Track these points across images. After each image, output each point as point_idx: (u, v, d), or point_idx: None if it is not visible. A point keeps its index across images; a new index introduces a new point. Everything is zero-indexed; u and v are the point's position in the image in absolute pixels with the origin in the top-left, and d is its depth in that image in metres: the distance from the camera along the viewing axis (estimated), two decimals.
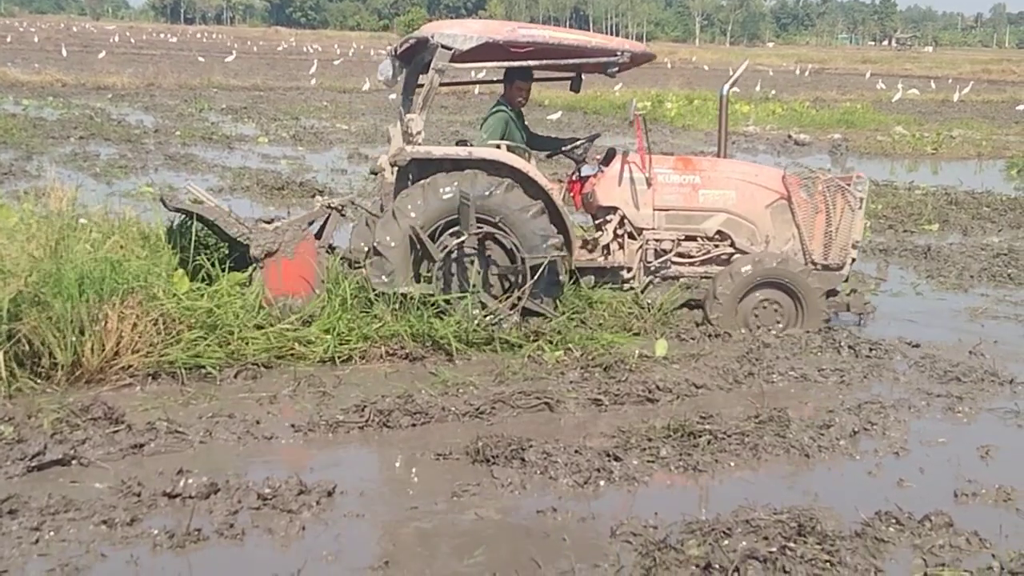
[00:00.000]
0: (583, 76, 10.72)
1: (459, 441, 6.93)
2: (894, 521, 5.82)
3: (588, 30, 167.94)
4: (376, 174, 10.23)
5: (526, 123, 10.65)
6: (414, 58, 10.26)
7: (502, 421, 7.43)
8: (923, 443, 7.30)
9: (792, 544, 5.45)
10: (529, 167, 9.53)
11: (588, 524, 5.85)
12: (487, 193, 9.10)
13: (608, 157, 10.38)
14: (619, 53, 9.57)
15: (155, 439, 6.79)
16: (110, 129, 25.56)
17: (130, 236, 9.43)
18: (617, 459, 6.63)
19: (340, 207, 9.72)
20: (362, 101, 38.51)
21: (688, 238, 10.11)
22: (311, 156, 22.79)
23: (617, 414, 7.65)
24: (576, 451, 6.69)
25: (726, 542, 5.48)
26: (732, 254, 10.08)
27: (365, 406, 7.40)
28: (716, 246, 10.13)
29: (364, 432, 7.19)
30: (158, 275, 8.57)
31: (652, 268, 10.08)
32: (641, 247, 10.04)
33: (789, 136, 28.44)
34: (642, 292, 10.02)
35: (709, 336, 9.49)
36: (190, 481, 5.95)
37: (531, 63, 9.87)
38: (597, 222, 10.17)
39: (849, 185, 10.11)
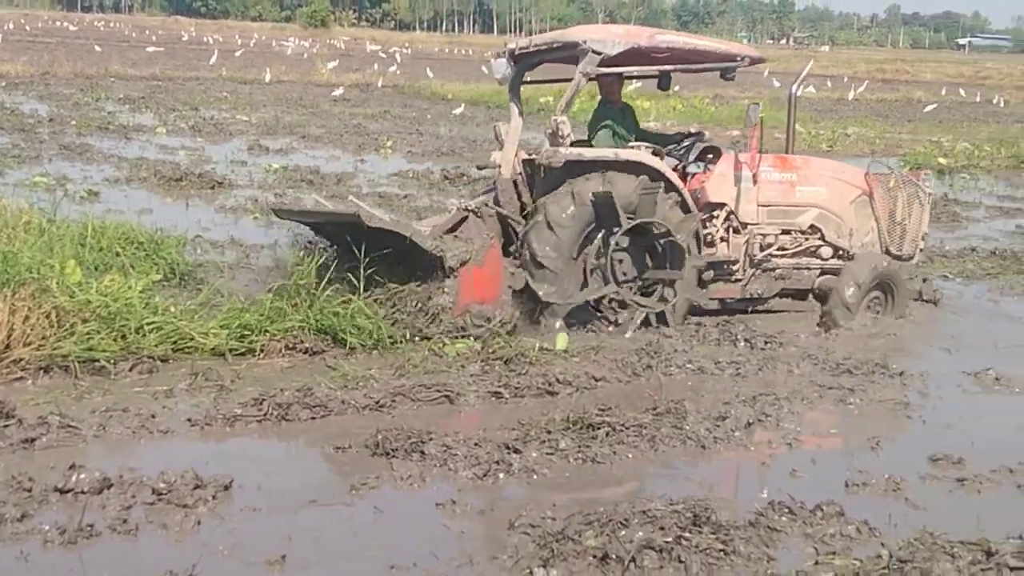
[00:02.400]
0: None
1: (359, 434, 6.90)
2: (787, 511, 5.92)
3: (492, 24, 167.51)
4: (482, 169, 10.58)
5: (636, 119, 10.96)
6: (530, 59, 10.54)
7: (402, 414, 7.41)
8: (815, 434, 7.47)
9: (688, 534, 5.52)
10: (666, 168, 9.91)
11: (487, 516, 5.88)
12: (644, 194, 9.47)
13: (706, 154, 10.68)
14: (741, 58, 10.17)
15: (47, 433, 6.64)
16: (2, 118, 24.94)
17: (23, 227, 9.23)
18: (517, 451, 6.66)
19: (476, 209, 9.88)
20: (263, 92, 38.11)
21: (784, 232, 10.57)
22: (211, 147, 22.47)
23: (517, 407, 7.68)
24: (476, 444, 6.71)
25: (623, 532, 5.52)
26: (821, 246, 10.64)
27: (263, 400, 7.34)
28: (807, 239, 10.63)
29: (262, 426, 7.13)
30: (51, 267, 8.40)
31: (756, 261, 10.43)
32: (747, 241, 10.39)
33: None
34: (745, 285, 10.42)
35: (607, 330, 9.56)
36: (82, 476, 5.84)
37: (666, 68, 10.54)
38: (704, 218, 10.28)
39: (919, 181, 11.10)
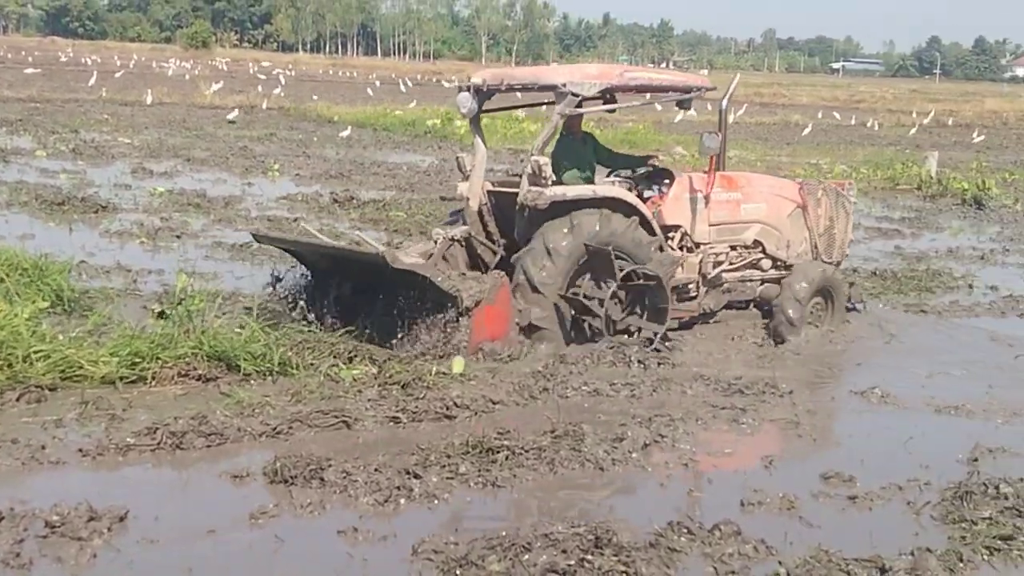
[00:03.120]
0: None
1: (256, 462, 6.84)
2: (686, 531, 6.00)
3: (375, 46, 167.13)
4: (446, 200, 10.89)
5: (598, 144, 11.25)
6: (493, 94, 10.64)
7: (300, 441, 7.34)
8: (710, 454, 7.56)
9: (590, 556, 5.57)
10: (637, 201, 10.30)
11: (389, 543, 5.84)
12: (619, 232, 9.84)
13: (661, 178, 11.12)
14: (698, 89, 10.76)
15: None
16: None
17: None
18: (417, 476, 6.64)
19: (461, 239, 10.36)
20: (145, 114, 37.50)
21: (732, 248, 11.12)
22: (93, 170, 22.04)
23: (416, 431, 7.66)
24: (376, 469, 6.68)
25: (526, 557, 5.55)
26: (762, 259, 11.26)
27: (157, 428, 7.21)
28: (751, 253, 11.23)
29: (156, 455, 7.00)
30: None
31: (709, 278, 10.84)
32: (701, 260, 10.79)
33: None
34: (700, 302, 10.80)
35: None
36: None
37: (634, 103, 11.22)
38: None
39: (844, 191, 11.88)
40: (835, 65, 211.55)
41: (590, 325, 9.90)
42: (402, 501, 6.39)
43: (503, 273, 9.62)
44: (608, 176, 11.22)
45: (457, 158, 10.93)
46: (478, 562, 5.48)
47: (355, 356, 9.04)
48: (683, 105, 11.00)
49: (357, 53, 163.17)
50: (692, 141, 34.63)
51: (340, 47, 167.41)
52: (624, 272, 9.75)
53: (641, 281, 9.96)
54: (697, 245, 10.82)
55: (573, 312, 9.88)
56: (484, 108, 10.86)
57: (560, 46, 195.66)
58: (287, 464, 6.65)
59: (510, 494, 6.64)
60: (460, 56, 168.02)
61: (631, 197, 10.25)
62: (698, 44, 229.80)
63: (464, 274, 9.68)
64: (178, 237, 14.83)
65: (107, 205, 16.95)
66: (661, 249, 10.24)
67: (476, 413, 8.05)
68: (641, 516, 6.29)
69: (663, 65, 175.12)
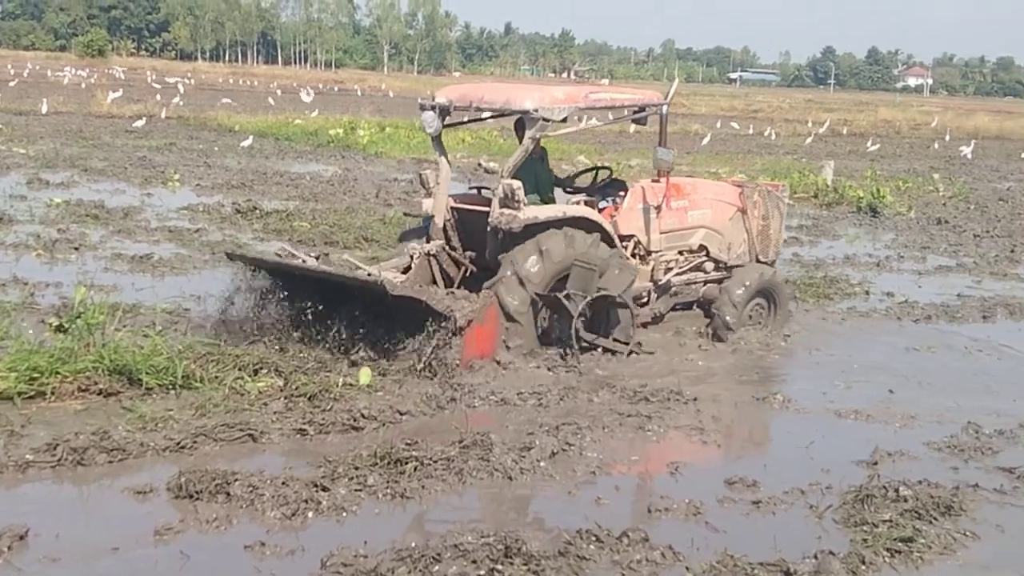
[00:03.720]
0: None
1: (160, 477, 6.74)
2: (594, 539, 6.05)
3: (276, 54, 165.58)
4: (409, 216, 11.21)
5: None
6: (454, 112, 10.79)
7: (205, 455, 7.26)
8: (617, 461, 7.63)
9: (500, 566, 5.59)
10: (600, 217, 10.65)
11: (297, 557, 5.81)
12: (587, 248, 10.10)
13: (615, 189, 11.53)
14: (654, 106, 11.26)
15: None
16: None
17: None
18: (325, 489, 6.60)
19: (435, 253, 10.63)
20: (40, 124, 36.66)
21: (679, 253, 11.53)
22: None
23: (323, 443, 7.62)
24: (283, 483, 6.62)
25: (436, 568, 5.56)
26: (706, 261, 11.68)
27: (57, 444, 7.07)
28: (696, 257, 11.64)
29: (57, 471, 6.87)
30: None
31: (660, 284, 11.23)
32: (653, 267, 11.19)
33: (479, 164, 28.89)
34: (651, 307, 11.20)
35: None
36: None
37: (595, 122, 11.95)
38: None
39: (779, 193, 12.42)
40: (732, 75, 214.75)
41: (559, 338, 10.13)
42: (310, 514, 6.35)
43: (492, 293, 9.74)
44: (565, 188, 11.74)
45: (420, 174, 11.04)
46: (388, 574, 5.47)
47: (261, 368, 8.94)
48: (639, 121, 11.44)
49: (257, 62, 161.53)
50: (594, 150, 34.99)
51: (240, 56, 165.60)
52: (588, 299, 9.88)
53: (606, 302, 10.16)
54: (649, 253, 11.19)
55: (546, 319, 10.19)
56: (446, 124, 10.96)
57: (462, 55, 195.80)
58: (192, 479, 6.57)
59: (419, 505, 6.64)
60: (362, 65, 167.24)
61: (597, 216, 10.60)
62: (599, 54, 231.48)
63: (453, 293, 9.76)
64: (76, 249, 14.53)
65: (2, 217, 16.55)
66: (624, 260, 10.55)
67: (384, 424, 8.02)
68: (550, 525, 6.34)
69: (564, 75, 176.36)
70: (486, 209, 10.29)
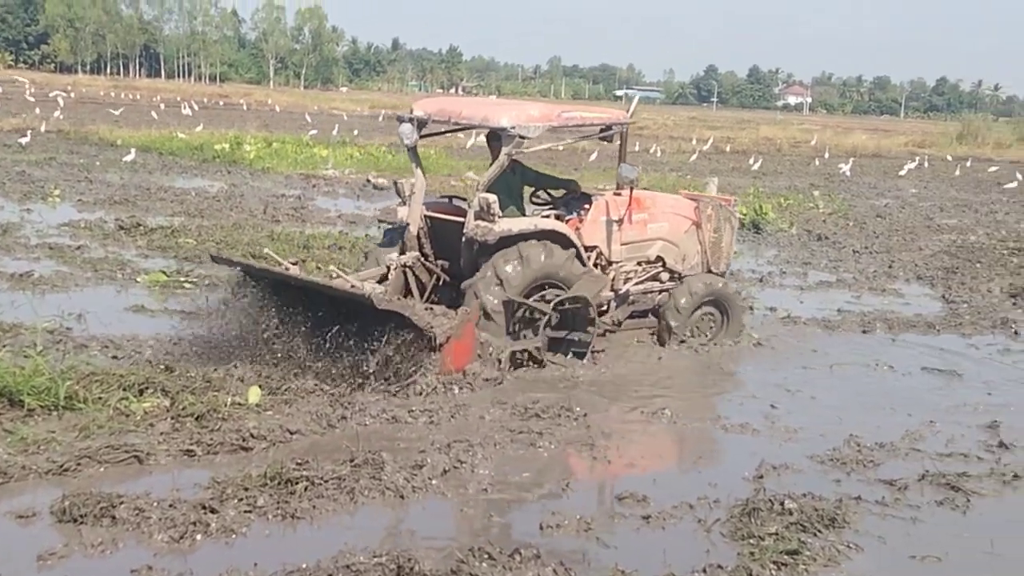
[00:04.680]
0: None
1: (43, 501, 6.60)
2: (487, 556, 6.06)
3: (159, 68, 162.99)
4: (383, 223, 11.46)
5: (525, 168, 11.76)
6: (432, 124, 11.25)
7: (89, 478, 7.11)
8: (509, 478, 7.64)
9: None
10: (570, 231, 11.06)
11: None
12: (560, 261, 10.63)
13: (581, 202, 11.89)
14: (620, 124, 11.65)
15: None
16: None
17: None
18: (213, 511, 6.52)
19: (411, 265, 11.06)
20: None
21: (638, 263, 12.04)
22: None
23: (211, 464, 7.51)
24: (170, 505, 6.53)
25: None
26: (661, 272, 12.20)
27: None
28: (653, 267, 12.17)
29: None
30: None
31: (620, 294, 11.75)
32: (613, 277, 11.64)
33: (368, 180, 28.76)
34: (611, 316, 11.66)
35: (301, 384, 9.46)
36: None
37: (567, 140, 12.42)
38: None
39: (730, 207, 13.02)
40: (618, 92, 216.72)
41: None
42: (198, 537, 6.27)
43: (468, 309, 10.01)
44: (531, 197, 12.29)
45: (395, 183, 11.33)
46: None
47: (147, 388, 8.78)
48: (606, 138, 11.82)
49: (140, 75, 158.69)
50: (483, 166, 35.06)
51: (122, 68, 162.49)
52: (558, 299, 10.53)
53: (572, 306, 10.70)
54: (610, 263, 11.69)
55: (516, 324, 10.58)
56: (423, 135, 11.35)
57: (349, 70, 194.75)
58: (76, 502, 6.44)
59: (310, 526, 6.58)
60: (247, 79, 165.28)
61: (566, 229, 11.03)
62: (486, 70, 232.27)
63: (432, 308, 10.07)
64: None
65: None
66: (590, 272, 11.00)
67: (273, 444, 7.94)
68: (442, 543, 6.34)
69: (452, 91, 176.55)
70: (459, 219, 10.77)
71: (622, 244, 11.75)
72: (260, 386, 9.04)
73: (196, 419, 8.26)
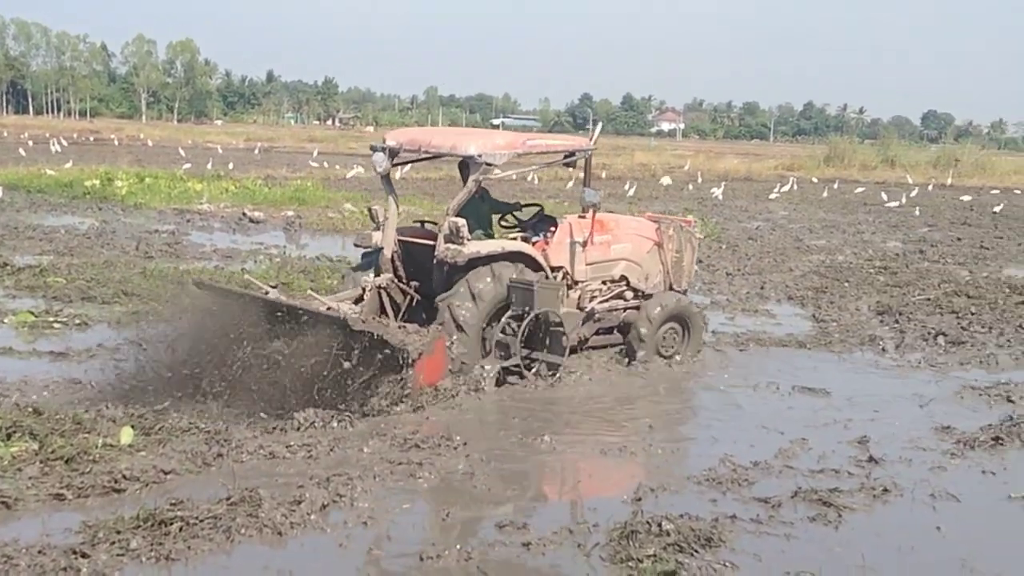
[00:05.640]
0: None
1: None
2: None
3: (27, 104, 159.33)
4: (360, 247, 12.05)
5: (487, 194, 12.51)
6: (403, 153, 11.92)
7: None
8: (389, 511, 7.60)
9: None
10: (536, 253, 11.83)
11: None
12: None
13: (547, 224, 12.70)
14: (583, 150, 12.34)
15: None
16: None
17: None
18: (85, 556, 6.38)
19: (386, 286, 11.69)
20: None
21: (603, 282, 12.73)
22: None
23: (82, 508, 7.34)
24: (39, 551, 6.38)
25: None
26: (626, 290, 12.87)
27: None
28: (617, 286, 12.85)
29: None
30: None
31: (585, 311, 12.30)
32: (579, 296, 12.36)
33: (244, 214, 28.52)
34: (577, 332, 12.09)
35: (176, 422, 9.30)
36: None
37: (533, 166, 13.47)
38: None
39: (691, 228, 13.75)
40: (495, 121, 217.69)
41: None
42: None
43: (440, 328, 10.65)
44: (499, 221, 12.93)
45: (369, 208, 12.26)
46: None
47: (14, 432, 8.55)
48: (570, 164, 12.43)
49: (7, 111, 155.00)
50: (361, 197, 35.00)
51: None
52: (532, 313, 11.05)
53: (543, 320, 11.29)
54: (576, 283, 12.34)
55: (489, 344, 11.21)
56: (395, 163, 12.03)
57: (224, 103, 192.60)
58: None
59: (185, 567, 6.48)
60: (119, 114, 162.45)
61: (532, 250, 11.75)
62: (363, 101, 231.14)
63: (405, 327, 10.36)
64: None
65: None
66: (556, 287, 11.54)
67: (147, 484, 7.78)
68: None
69: (329, 122, 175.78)
70: (430, 242, 11.43)
71: (587, 264, 12.44)
72: (132, 426, 8.88)
73: (66, 462, 8.05)
